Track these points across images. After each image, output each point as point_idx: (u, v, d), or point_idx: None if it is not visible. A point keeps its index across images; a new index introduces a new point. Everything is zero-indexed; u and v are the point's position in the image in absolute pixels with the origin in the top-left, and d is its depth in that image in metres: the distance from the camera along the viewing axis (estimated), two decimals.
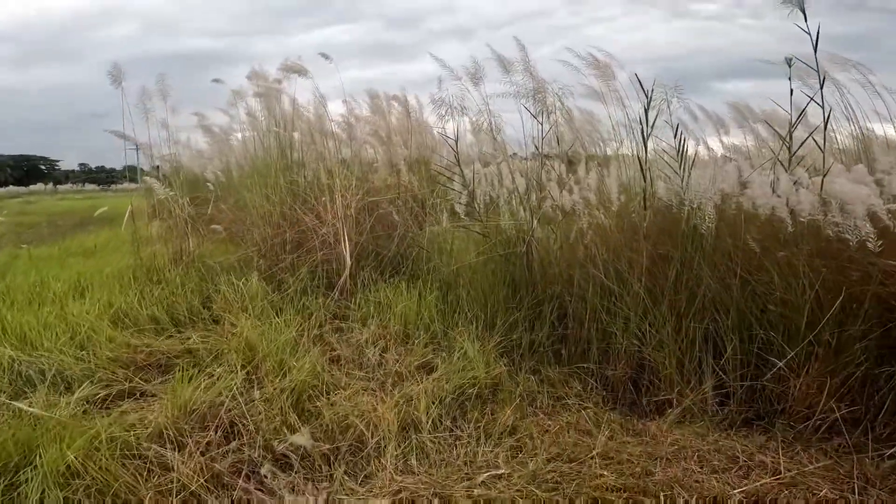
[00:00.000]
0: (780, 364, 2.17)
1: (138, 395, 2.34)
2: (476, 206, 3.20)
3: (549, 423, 2.23)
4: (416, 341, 2.88)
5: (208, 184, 5.00)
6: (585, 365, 2.55)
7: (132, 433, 1.88)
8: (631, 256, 2.61)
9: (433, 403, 2.25)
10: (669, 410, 2.27)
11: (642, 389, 2.41)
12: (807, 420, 2.09)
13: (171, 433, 1.89)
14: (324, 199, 3.35)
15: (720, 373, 2.31)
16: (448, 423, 2.19)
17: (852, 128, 2.78)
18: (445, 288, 3.29)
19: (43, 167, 51.00)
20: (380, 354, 2.80)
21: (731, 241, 2.48)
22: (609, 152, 3.33)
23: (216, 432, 1.93)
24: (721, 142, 3.00)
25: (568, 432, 2.13)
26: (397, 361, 2.71)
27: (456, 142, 3.08)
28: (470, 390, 2.36)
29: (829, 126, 2.59)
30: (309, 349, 2.65)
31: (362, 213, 3.64)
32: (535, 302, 2.81)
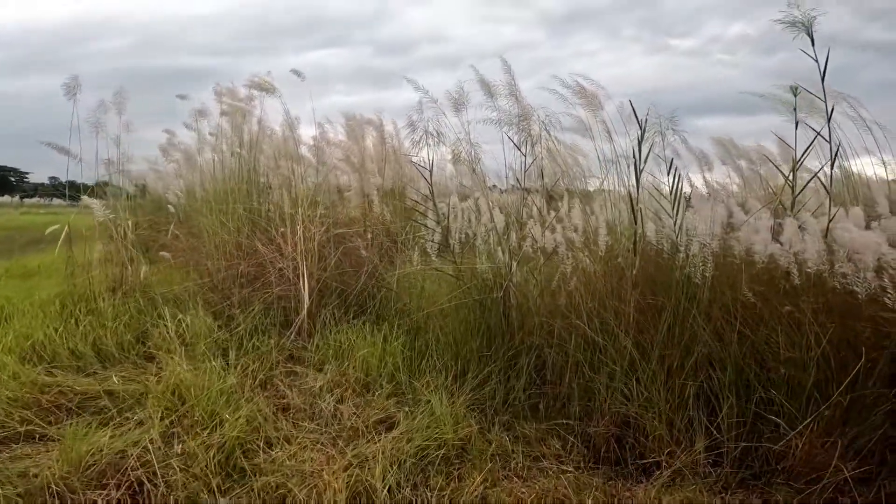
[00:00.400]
0: (782, 423, 1.98)
1: (37, 438, 2.01)
2: (450, 244, 2.99)
3: (524, 489, 1.96)
4: (378, 392, 2.61)
5: (170, 206, 4.72)
6: (565, 421, 2.31)
7: (5, 489, 1.55)
8: (617, 306, 2.41)
9: (391, 467, 1.97)
10: (658, 473, 2.04)
11: (627, 448, 2.18)
12: (810, 480, 1.91)
13: (58, 489, 1.57)
14: (283, 229, 3.10)
15: (714, 432, 2.10)
16: (407, 491, 1.92)
17: (848, 164, 2.68)
18: (414, 333, 3.05)
19: (12, 179, 49.91)
20: (335, 405, 2.52)
21: (730, 291, 2.31)
22: (593, 188, 3.18)
23: (118, 491, 1.62)
24: (705, 179, 2.88)
25: (545, 501, 1.88)
26: (354, 414, 2.44)
27: (430, 172, 2.89)
28: (435, 452, 2.09)
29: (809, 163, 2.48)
30: (252, 396, 2.35)
31: (328, 246, 3.40)
32: (511, 353, 2.57)
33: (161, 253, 3.68)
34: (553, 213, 2.96)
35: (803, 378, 2.03)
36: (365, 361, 2.80)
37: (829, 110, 2.14)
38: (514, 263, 2.76)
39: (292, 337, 3.04)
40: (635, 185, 2.57)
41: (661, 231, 2.57)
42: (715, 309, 2.28)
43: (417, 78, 3.05)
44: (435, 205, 2.92)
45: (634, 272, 2.47)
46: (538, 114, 2.70)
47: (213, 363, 2.53)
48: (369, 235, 3.54)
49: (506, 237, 2.90)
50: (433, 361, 2.75)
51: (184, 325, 2.92)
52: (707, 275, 2.31)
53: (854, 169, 2.74)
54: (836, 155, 2.18)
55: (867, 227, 2.23)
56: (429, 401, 2.41)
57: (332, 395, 2.58)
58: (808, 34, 2.08)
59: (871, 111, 2.61)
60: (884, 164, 2.70)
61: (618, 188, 2.75)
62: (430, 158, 2.91)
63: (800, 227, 2.24)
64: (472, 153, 3.01)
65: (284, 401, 2.54)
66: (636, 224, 2.54)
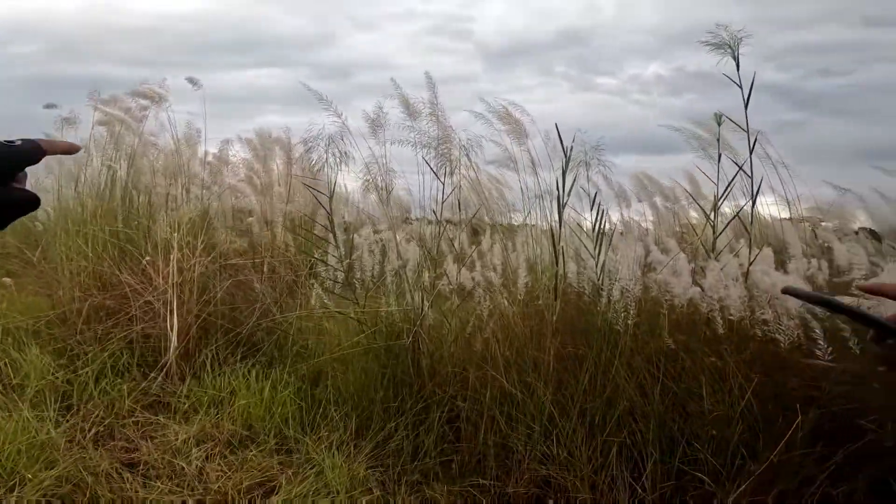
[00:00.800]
0: (707, 480, 1.85)
1: None
2: (353, 283, 2.70)
3: None
4: (262, 448, 2.25)
5: (37, 223, 4.09)
6: (481, 481, 2.07)
7: None
8: (537, 356, 2.24)
9: None
10: None
11: None
12: None
13: None
14: (149, 257, 2.69)
15: (639, 490, 1.94)
16: None
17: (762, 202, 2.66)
18: (311, 380, 2.71)
19: None
20: (201, 462, 2.14)
21: (652, 340, 2.21)
22: (517, 223, 3.05)
23: None
24: (622, 216, 2.83)
25: None
26: (223, 475, 2.06)
27: (330, 199, 2.62)
28: None
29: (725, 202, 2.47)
30: (84, 451, 1.93)
31: (214, 277, 3.01)
32: (421, 406, 2.30)
33: (3, 279, 3.11)
34: (474, 248, 2.78)
35: (728, 433, 1.92)
36: (246, 411, 2.43)
37: (752, 142, 2.13)
38: (427, 305, 2.54)
39: (158, 380, 2.60)
40: (557, 220, 2.46)
41: (582, 272, 2.46)
42: (638, 359, 2.16)
43: (354, 102, 2.84)
44: (335, 237, 2.64)
45: (555, 318, 2.32)
46: (459, 137, 2.55)
47: (46, 410, 2.07)
48: (265, 268, 3.19)
49: (417, 275, 2.68)
50: (331, 413, 2.43)
51: (20, 363, 2.41)
52: (629, 322, 2.20)
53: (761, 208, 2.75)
54: (757, 191, 2.16)
55: (785, 270, 2.23)
56: (323, 460, 2.10)
57: (199, 450, 2.19)
58: (734, 57, 2.08)
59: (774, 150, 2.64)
60: (787, 203, 2.74)
61: (540, 223, 2.63)
62: (332, 182, 2.65)
63: (723, 269, 2.20)
64: (386, 179, 2.81)
65: (134, 455, 2.13)
66: (557, 264, 2.42)
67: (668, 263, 2.35)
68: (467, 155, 2.60)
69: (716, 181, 2.31)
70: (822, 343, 1.96)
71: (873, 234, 2.63)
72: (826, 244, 2.51)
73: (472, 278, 2.50)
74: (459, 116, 2.86)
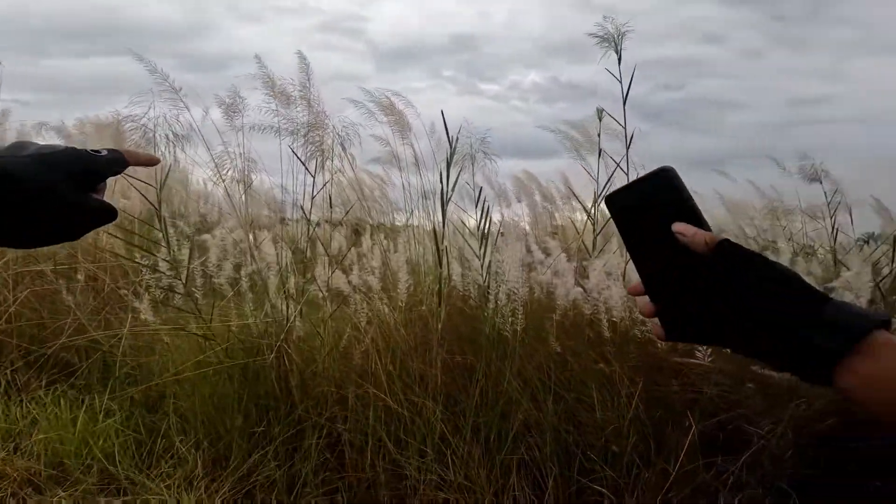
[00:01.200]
0: (606, 493, 1.82)
1: None
2: (193, 293, 2.30)
3: None
4: (78, 488, 1.82)
5: None
6: None
7: None
8: (423, 369, 2.07)
9: None
10: None
11: None
12: None
13: None
14: None
15: None
16: None
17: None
18: (146, 407, 2.28)
19: None
20: None
21: (542, 346, 2.15)
22: (400, 223, 2.86)
23: None
24: (502, 215, 2.81)
25: None
26: None
27: (158, 191, 2.18)
28: None
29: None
30: None
31: (8, 287, 2.40)
32: (294, 431, 2.01)
33: None
34: (348, 250, 2.53)
35: (619, 443, 1.92)
36: (50, 445, 1.97)
37: (629, 138, 2.17)
38: (297, 314, 2.24)
39: None
40: (441, 217, 2.31)
41: (467, 274, 2.34)
42: (528, 367, 2.09)
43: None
44: (167, 238, 2.21)
45: (440, 325, 2.18)
46: (334, 125, 2.28)
47: None
48: (81, 276, 2.62)
49: (281, 281, 2.36)
50: (176, 445, 2.05)
51: None
52: (518, 328, 2.12)
53: None
54: None
55: None
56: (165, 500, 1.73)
57: None
58: (617, 51, 2.10)
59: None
60: None
61: (424, 223, 2.47)
62: (164, 171, 2.23)
63: (607, 271, 2.22)
64: (244, 172, 2.44)
65: None
66: (441, 266, 2.27)
67: (551, 264, 2.33)
68: (342, 144, 2.35)
69: (596, 177, 2.33)
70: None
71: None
72: None
73: (349, 282, 2.26)
74: (340, 108, 2.59)
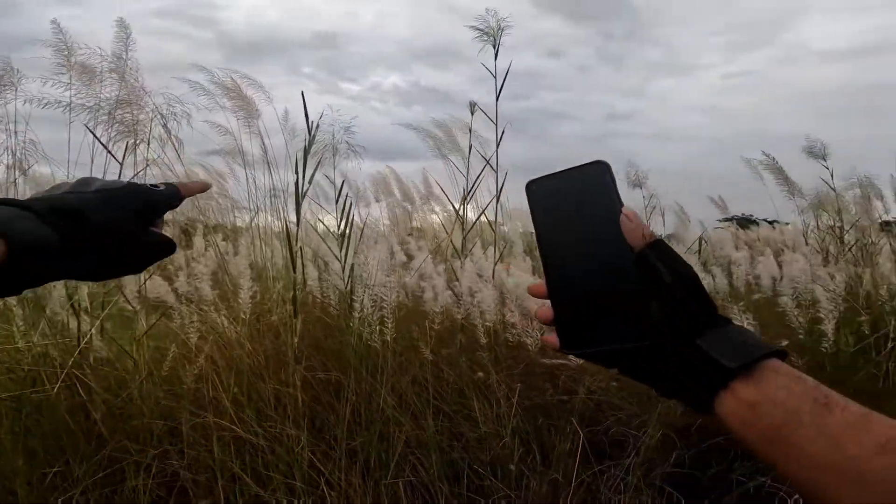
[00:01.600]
0: None
1: None
2: None
3: None
4: None
5: None
6: None
7: None
8: (278, 389, 1.72)
9: None
10: None
11: None
12: None
13: None
14: None
15: None
16: None
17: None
18: None
19: None
20: None
21: (413, 356, 1.95)
22: (242, 224, 2.43)
23: None
24: (359, 216, 2.58)
25: None
26: None
27: None
28: None
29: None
30: None
31: None
32: (109, 471, 1.49)
33: None
34: (188, 252, 2.05)
35: (505, 454, 1.78)
36: None
37: (500, 134, 2.12)
38: (95, 330, 1.72)
39: None
40: (295, 214, 2.00)
41: (326, 279, 2.05)
42: (404, 380, 1.87)
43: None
44: None
45: (296, 338, 1.85)
46: (157, 104, 1.84)
47: None
48: None
49: (65, 289, 1.81)
50: None
51: None
52: (388, 338, 1.89)
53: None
54: (503, 185, 2.15)
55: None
56: None
57: None
58: (494, 45, 2.05)
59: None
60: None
61: (272, 223, 2.12)
62: None
63: (478, 272, 2.11)
64: (21, 156, 1.85)
65: None
66: (294, 270, 1.95)
67: (418, 267, 2.15)
68: (164, 126, 1.90)
69: (466, 175, 2.23)
70: None
71: None
72: None
73: (175, 290, 1.81)
74: (167, 87, 2.13)
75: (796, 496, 1.53)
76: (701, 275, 2.50)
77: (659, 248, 0.46)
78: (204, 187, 0.59)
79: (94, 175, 0.55)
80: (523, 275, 2.20)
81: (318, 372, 1.81)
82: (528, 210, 0.51)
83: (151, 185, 0.52)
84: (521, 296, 2.15)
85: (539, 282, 0.51)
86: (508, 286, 2.15)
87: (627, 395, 2.03)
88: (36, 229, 0.43)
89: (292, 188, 1.97)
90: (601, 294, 0.47)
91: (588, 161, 0.49)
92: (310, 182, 1.98)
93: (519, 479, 1.72)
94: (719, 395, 0.41)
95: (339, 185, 2.05)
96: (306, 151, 1.94)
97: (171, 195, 0.53)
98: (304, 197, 1.99)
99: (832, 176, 2.48)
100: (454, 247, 2.25)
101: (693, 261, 2.61)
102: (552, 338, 0.50)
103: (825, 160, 2.45)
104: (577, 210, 0.49)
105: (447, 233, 2.36)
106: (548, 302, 0.50)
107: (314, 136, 1.95)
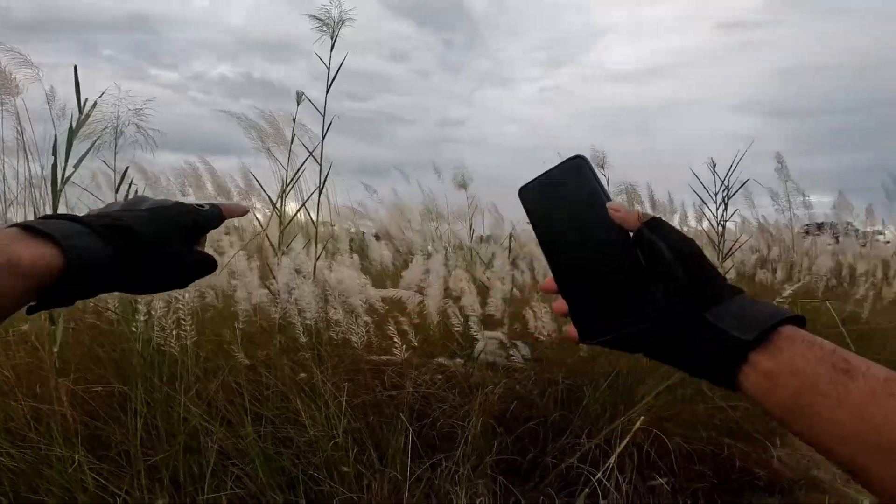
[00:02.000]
0: None
1: None
2: None
3: None
4: None
5: None
6: None
7: None
8: (39, 407, 1.32)
9: None
10: None
11: None
12: None
13: None
14: None
15: None
16: None
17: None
18: None
19: None
20: None
21: (224, 360, 1.68)
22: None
23: None
24: None
25: None
26: None
27: None
28: None
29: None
30: None
31: None
32: None
33: None
34: None
35: (337, 455, 1.60)
36: None
37: (326, 127, 2.00)
38: None
39: None
40: (52, 202, 1.62)
41: None
42: (211, 386, 1.59)
43: None
44: None
45: (56, 347, 1.46)
46: None
47: None
48: None
49: None
50: None
51: None
52: (187, 342, 1.61)
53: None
54: (325, 179, 2.02)
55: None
56: None
57: None
58: (332, 37, 1.95)
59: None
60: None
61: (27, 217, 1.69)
62: None
63: (296, 268, 1.93)
64: None
65: None
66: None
67: (227, 264, 1.90)
68: None
69: (286, 168, 2.06)
70: (396, 340, 1.95)
71: None
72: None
73: None
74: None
75: (598, 475, 1.61)
76: (508, 269, 2.65)
77: (655, 226, 0.45)
78: (244, 211, 0.61)
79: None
80: (347, 270, 2.07)
81: (92, 385, 1.45)
82: (524, 214, 0.53)
83: (197, 205, 0.55)
84: (344, 291, 2.03)
85: (550, 278, 0.52)
86: (331, 282, 2.01)
87: (450, 387, 2.00)
88: (92, 244, 0.44)
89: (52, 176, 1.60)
90: (603, 280, 0.48)
91: (567, 158, 0.51)
92: (75, 167, 1.63)
93: (358, 479, 1.56)
94: (742, 370, 0.40)
95: (121, 172, 1.73)
96: (72, 131, 1.61)
97: (215, 216, 0.56)
98: (65, 183, 1.63)
99: (608, 183, 2.87)
100: (270, 242, 2.04)
101: (505, 257, 2.75)
102: (572, 329, 0.50)
103: (603, 168, 2.81)
104: (566, 203, 0.51)
105: (262, 227, 2.13)
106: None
107: (87, 115, 1.63)
